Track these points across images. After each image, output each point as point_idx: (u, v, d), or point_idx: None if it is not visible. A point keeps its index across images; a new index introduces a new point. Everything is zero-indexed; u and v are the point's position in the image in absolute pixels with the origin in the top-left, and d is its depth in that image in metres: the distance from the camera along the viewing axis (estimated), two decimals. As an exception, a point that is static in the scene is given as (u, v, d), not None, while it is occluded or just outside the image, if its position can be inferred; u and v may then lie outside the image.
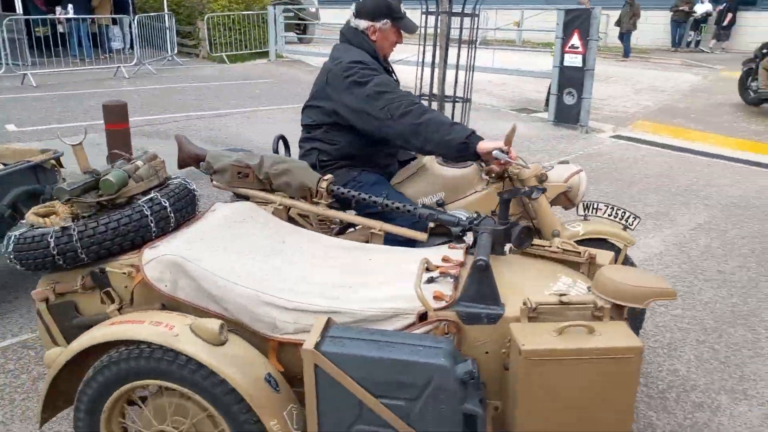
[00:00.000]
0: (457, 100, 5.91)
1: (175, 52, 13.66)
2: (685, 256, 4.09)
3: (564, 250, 2.04)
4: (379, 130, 2.44)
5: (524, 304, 1.66)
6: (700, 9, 17.93)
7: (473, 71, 5.89)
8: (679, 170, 6.17)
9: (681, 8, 17.96)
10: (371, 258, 2.05)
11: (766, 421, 2.51)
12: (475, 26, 5.73)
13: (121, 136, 4.53)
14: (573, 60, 7.73)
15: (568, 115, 8.00)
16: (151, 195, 2.01)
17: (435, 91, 5.87)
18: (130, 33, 12.89)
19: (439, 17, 5.68)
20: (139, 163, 2.09)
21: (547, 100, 9.28)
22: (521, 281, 1.86)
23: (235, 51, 14.27)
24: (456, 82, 5.81)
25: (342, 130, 2.58)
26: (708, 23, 18.04)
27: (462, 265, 1.88)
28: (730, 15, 17.12)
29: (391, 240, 2.27)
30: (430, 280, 1.82)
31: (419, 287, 1.68)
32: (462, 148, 2.31)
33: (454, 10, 5.76)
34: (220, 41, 14.05)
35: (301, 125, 2.75)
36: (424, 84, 5.83)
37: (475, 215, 2.08)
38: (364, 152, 2.63)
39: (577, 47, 7.64)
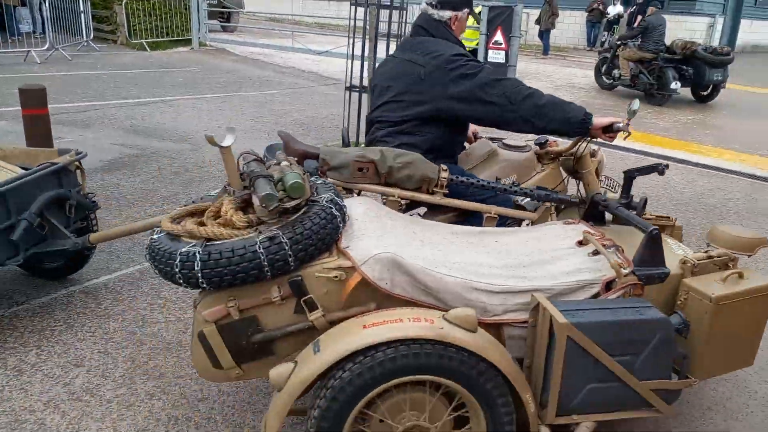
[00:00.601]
0: (386, 92, 5.99)
1: (91, 37, 13.00)
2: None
3: (657, 216, 2.57)
4: (500, 116, 2.53)
5: (685, 263, 2.11)
6: (612, 11, 18.90)
7: (402, 64, 5.98)
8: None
9: (595, 8, 18.87)
10: (497, 240, 2.21)
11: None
12: (404, 19, 5.82)
13: (42, 123, 4.29)
14: (497, 56, 8.00)
15: (492, 110, 8.25)
16: (328, 196, 1.93)
17: (365, 83, 5.92)
18: (41, 15, 12.15)
19: (368, 9, 5.72)
20: (285, 163, 1.95)
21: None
22: (638, 240, 2.18)
23: (155, 38, 13.76)
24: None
25: (433, 123, 2.61)
26: (620, 24, 19.04)
27: (603, 236, 2.17)
28: (639, 17, 18.12)
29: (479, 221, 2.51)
30: (596, 252, 2.07)
31: (612, 258, 2.00)
32: (581, 125, 2.51)
33: (382, 3, 5.83)
34: (139, 27, 13.50)
35: (376, 121, 2.74)
36: (354, 76, 5.87)
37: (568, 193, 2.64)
38: (447, 143, 2.70)
39: (501, 43, 7.91)
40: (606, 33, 19.25)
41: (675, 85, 9.86)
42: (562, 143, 2.96)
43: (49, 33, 11.57)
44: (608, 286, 1.97)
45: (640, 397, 1.90)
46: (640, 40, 10.37)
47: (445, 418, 1.84)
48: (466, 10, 2.76)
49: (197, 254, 1.74)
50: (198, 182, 5.20)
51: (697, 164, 6.72)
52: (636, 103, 2.57)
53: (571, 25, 20.38)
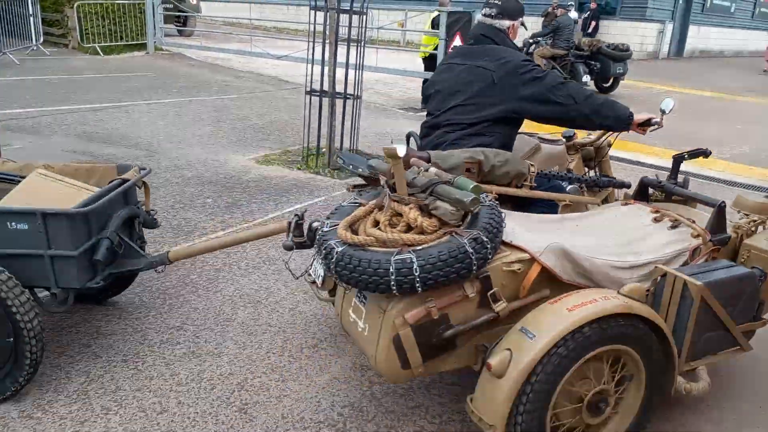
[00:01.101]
0: (348, 96, 5.98)
1: (41, 41, 12.61)
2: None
3: None
4: (565, 114, 2.83)
5: (738, 227, 2.60)
6: (567, 17, 19.30)
7: (363, 69, 5.98)
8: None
9: (550, 13, 19.25)
10: (588, 223, 2.60)
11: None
12: (363, 24, 5.81)
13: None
14: (456, 60, 8.06)
15: (452, 114, 8.32)
16: (486, 197, 2.16)
17: (326, 87, 5.89)
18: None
19: (328, 13, 5.70)
20: (433, 169, 2.20)
21: (423, 99, 9.65)
22: (691, 213, 2.71)
23: (109, 42, 13.41)
24: (346, 79, 5.87)
25: (501, 123, 2.84)
26: (575, 30, 19.48)
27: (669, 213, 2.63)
28: (594, 23, 18.62)
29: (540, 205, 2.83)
30: (674, 226, 2.54)
31: (695, 229, 2.49)
32: (627, 121, 2.87)
33: (342, 8, 5.81)
34: (92, 31, 13.13)
35: (444, 124, 2.89)
36: (315, 80, 5.83)
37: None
38: (510, 141, 2.96)
39: (460, 48, 7.98)
40: (561, 39, 19.66)
41: (585, 78, 11.20)
42: (582, 136, 3.41)
43: (-4, 36, 11.17)
44: (693, 253, 2.43)
45: (734, 339, 2.38)
46: (552, 38, 11.65)
47: (613, 382, 2.15)
48: (520, 20, 3.03)
49: (413, 260, 1.87)
50: (154, 189, 5.07)
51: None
52: (669, 103, 3.00)
53: (527, 30, 20.72)
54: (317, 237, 2.16)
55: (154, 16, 13.40)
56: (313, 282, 2.64)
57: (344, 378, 2.74)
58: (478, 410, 1.99)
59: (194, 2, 18.08)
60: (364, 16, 5.79)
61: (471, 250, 1.91)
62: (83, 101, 8.39)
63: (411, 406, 2.58)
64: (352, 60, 5.82)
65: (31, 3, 12.14)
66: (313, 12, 5.66)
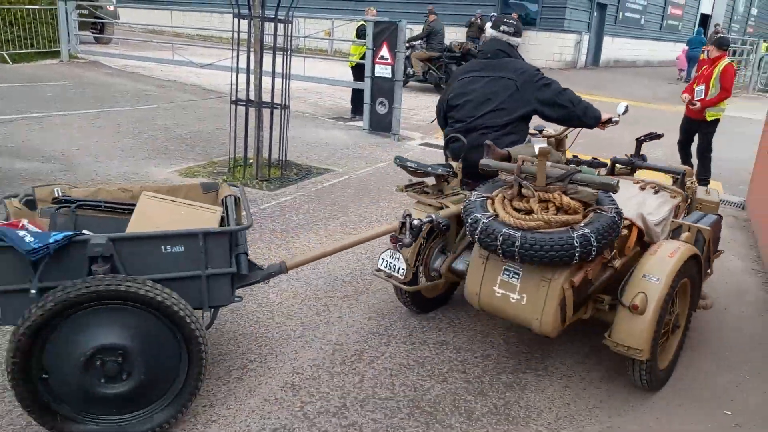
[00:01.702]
0: (275, 106, 5.87)
1: (-60, 47, 11.73)
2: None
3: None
4: (567, 114, 3.40)
5: (689, 188, 3.59)
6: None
7: (290, 78, 5.89)
8: (480, 173, 6.77)
9: (473, 23, 19.76)
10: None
11: (565, 392, 2.85)
12: (289, 33, 5.73)
13: None
14: (383, 71, 8.10)
15: (381, 124, 8.36)
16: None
17: (252, 96, 5.75)
18: None
19: (252, 22, 5.57)
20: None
21: (353, 108, 9.70)
22: (657, 181, 3.41)
23: (19, 49, 12.65)
24: (273, 88, 5.76)
25: (524, 121, 3.43)
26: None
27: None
28: (514, 34, 19.20)
29: None
30: (657, 191, 3.27)
31: (677, 192, 3.33)
32: (599, 120, 3.47)
33: (267, 16, 5.71)
34: (0, 38, 12.35)
35: (480, 127, 3.36)
36: (241, 90, 5.69)
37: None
38: (526, 136, 3.51)
39: (387, 58, 8.02)
40: (485, 48, 20.18)
41: None
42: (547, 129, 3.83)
43: None
44: (676, 210, 3.20)
45: (710, 266, 3.38)
46: (426, 42, 13.06)
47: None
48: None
49: (591, 235, 2.41)
50: (70, 205, 4.78)
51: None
52: (622, 106, 3.63)
53: (452, 40, 21.17)
54: (479, 229, 2.54)
55: (67, 23, 12.74)
56: (390, 276, 2.98)
57: (275, 399, 2.65)
58: (624, 341, 2.58)
59: (111, 8, 17.38)
60: (290, 25, 5.70)
61: (619, 220, 2.52)
62: (-11, 112, 7.85)
63: (344, 424, 2.53)
64: (278, 69, 5.72)
65: (-71, 7, 11.28)
66: (236, 20, 5.52)
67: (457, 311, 3.53)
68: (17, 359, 2.09)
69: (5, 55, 12.36)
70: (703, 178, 6.68)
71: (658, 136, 3.74)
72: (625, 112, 3.62)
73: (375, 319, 3.37)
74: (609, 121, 3.56)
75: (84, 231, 2.46)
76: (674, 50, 28.76)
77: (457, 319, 3.44)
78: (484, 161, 2.85)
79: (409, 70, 13.07)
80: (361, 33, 9.31)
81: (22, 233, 2.14)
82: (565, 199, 2.53)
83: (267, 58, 5.81)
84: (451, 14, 20.81)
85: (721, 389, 2.95)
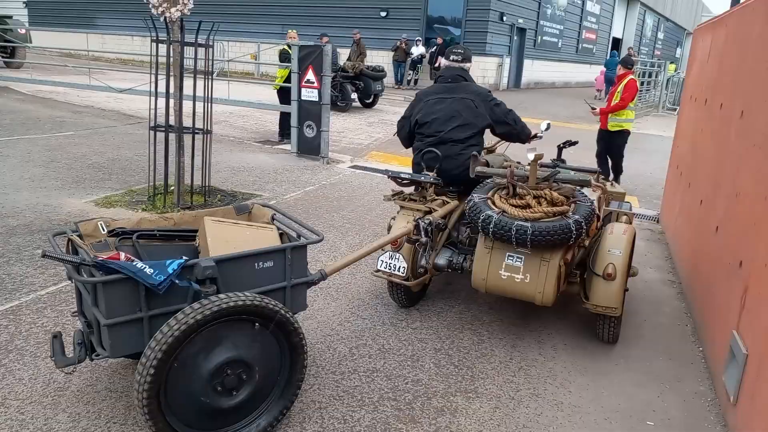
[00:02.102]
0: (197, 132, 5.69)
1: None
2: (420, 273, 4.50)
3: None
4: (510, 131, 4.09)
5: (598, 181, 4.29)
6: (415, 51, 20.28)
7: (212, 102, 5.74)
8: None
9: (399, 47, 20.11)
10: None
11: (495, 413, 2.84)
12: (210, 57, 5.59)
13: None
14: (310, 94, 8.05)
15: (309, 147, 8.29)
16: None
17: (172, 122, 5.55)
18: None
19: (171, 47, 5.41)
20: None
21: (280, 131, 9.61)
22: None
23: None
24: (194, 113, 5.59)
25: (482, 134, 4.03)
26: (423, 64, 20.49)
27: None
28: (441, 58, 19.69)
29: None
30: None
31: (600, 186, 4.14)
32: (529, 135, 4.16)
33: (188, 40, 5.55)
34: None
35: (448, 140, 3.91)
36: (161, 114, 5.48)
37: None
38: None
39: (313, 82, 7.99)
40: (411, 72, 20.59)
41: (354, 95, 13.86)
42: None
43: None
44: (599, 200, 3.89)
45: None
46: None
47: None
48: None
49: (581, 220, 3.08)
50: (-30, 242, 4.44)
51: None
52: (544, 124, 4.40)
53: (379, 64, 21.46)
54: (492, 223, 3.11)
55: (-28, 46, 12.02)
56: (391, 275, 3.45)
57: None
58: (601, 303, 3.24)
59: (23, 32, 16.62)
60: (211, 49, 5.57)
61: (594, 209, 3.20)
62: None
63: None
64: (201, 93, 5.57)
65: None
66: (155, 44, 5.34)
67: (387, 337, 3.48)
68: (152, 383, 2.13)
69: None
70: (616, 176, 7.66)
71: (573, 143, 4.53)
72: (547, 129, 4.31)
73: (303, 348, 3.27)
74: (535, 136, 4.23)
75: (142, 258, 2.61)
76: (590, 72, 30.27)
77: (388, 345, 3.39)
78: (479, 169, 3.61)
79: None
80: (284, 57, 9.25)
81: (140, 265, 2.22)
82: (555, 194, 3.22)
83: (190, 82, 5.65)
84: (377, 38, 21.11)
85: (643, 401, 3.03)
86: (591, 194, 3.68)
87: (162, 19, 5.29)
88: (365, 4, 21.40)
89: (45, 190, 5.87)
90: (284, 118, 9.35)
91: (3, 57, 16.06)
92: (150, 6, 5.22)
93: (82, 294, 2.49)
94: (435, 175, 3.75)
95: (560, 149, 4.40)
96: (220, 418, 2.37)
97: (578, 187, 3.37)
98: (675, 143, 6.31)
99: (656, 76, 19.78)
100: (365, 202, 6.34)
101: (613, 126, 7.38)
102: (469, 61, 4.17)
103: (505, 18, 21.08)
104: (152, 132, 5.58)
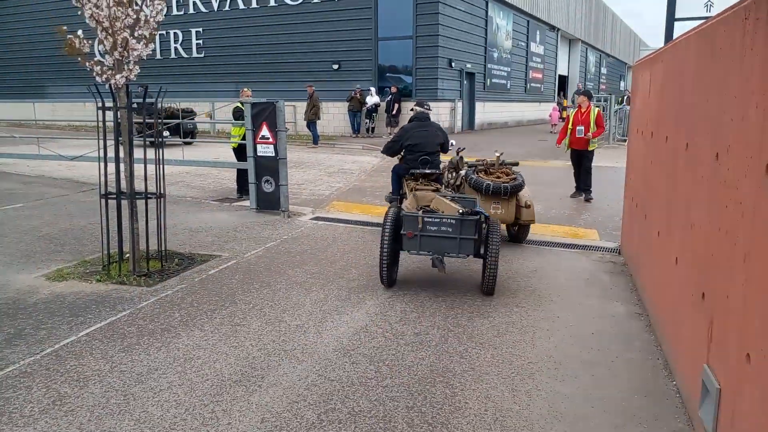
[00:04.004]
0: (150, 196, 5.56)
1: None
2: (387, 324, 4.39)
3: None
4: (445, 146, 6.98)
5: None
6: (370, 100, 20.60)
7: (163, 165, 5.64)
8: (372, 243, 6.73)
9: (354, 97, 20.41)
10: None
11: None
12: (161, 119, 5.52)
13: None
14: (265, 150, 8.02)
15: (269, 202, 8.20)
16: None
17: (123, 188, 5.41)
18: None
19: (117, 113, 5.32)
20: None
21: (238, 188, 9.52)
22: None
23: None
24: (146, 178, 5.47)
25: (442, 150, 6.97)
26: (378, 112, 20.80)
27: None
28: (396, 105, 20.05)
29: None
30: None
31: None
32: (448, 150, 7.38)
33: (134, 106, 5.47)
34: None
35: (428, 154, 6.75)
36: (112, 180, 5.34)
37: None
38: None
39: (268, 138, 7.96)
40: (368, 120, 20.86)
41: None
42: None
43: None
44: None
45: None
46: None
47: None
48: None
49: (523, 181, 6.88)
50: None
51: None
52: (453, 141, 7.32)
53: (335, 114, 21.72)
54: (484, 186, 6.62)
55: None
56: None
57: None
58: (525, 218, 6.67)
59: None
60: (159, 112, 5.50)
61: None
62: None
63: None
64: (152, 156, 5.46)
65: None
66: (101, 112, 5.25)
67: (357, 398, 3.35)
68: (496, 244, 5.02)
69: None
70: (586, 188, 9.54)
71: (463, 149, 7.53)
72: (453, 144, 7.23)
73: (269, 420, 3.11)
74: (451, 145, 7.21)
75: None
76: (540, 109, 31.21)
77: (358, 407, 3.25)
78: (471, 163, 7.29)
79: None
80: (238, 114, 9.23)
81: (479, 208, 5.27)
82: (509, 171, 6.89)
83: (140, 146, 5.53)
84: (331, 90, 21.41)
85: (623, 442, 2.96)
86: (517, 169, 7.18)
87: (107, 86, 5.21)
88: (318, 59, 21.77)
89: (-9, 268, 5.60)
90: (242, 174, 9.27)
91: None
92: (94, 74, 5.15)
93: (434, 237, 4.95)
94: (427, 170, 6.64)
95: (458, 151, 7.44)
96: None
97: (512, 167, 7.21)
98: (628, 175, 6.45)
99: (604, 110, 20.47)
100: (328, 255, 6.24)
101: (592, 146, 9.39)
102: (431, 108, 7.19)
103: (453, 64, 21.67)
104: (103, 200, 5.43)
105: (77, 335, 4.12)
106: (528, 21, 29.58)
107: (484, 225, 4.95)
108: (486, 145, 17.78)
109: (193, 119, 16.57)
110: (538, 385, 3.52)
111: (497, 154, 7.15)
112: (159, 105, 5.43)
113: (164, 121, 18.19)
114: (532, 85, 31.20)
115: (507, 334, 4.24)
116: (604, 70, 46.28)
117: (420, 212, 4.98)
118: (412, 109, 7.07)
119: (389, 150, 6.94)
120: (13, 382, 3.45)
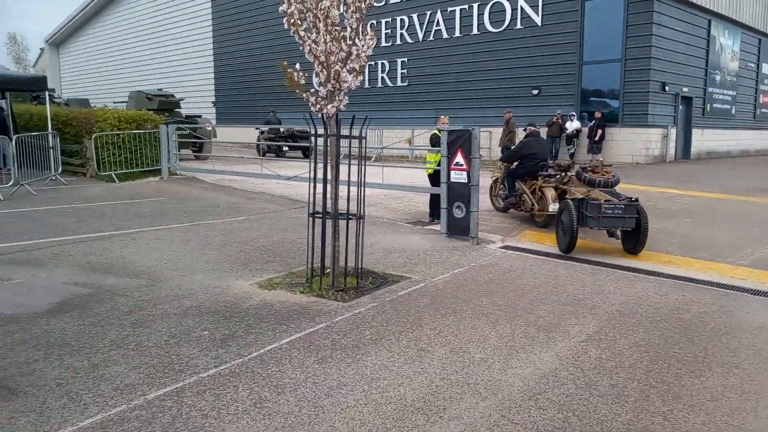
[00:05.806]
0: (350, 217, 5.92)
1: (59, 171, 13.05)
2: (579, 371, 4.09)
3: None
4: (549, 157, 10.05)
5: None
6: (570, 126, 19.82)
7: (365, 188, 5.98)
8: (565, 279, 6.39)
9: (554, 123, 19.79)
10: None
11: None
12: (364, 147, 5.88)
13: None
14: (458, 176, 8.10)
15: (459, 227, 8.25)
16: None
17: (329, 208, 5.85)
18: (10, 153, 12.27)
19: (328, 140, 5.78)
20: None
21: (431, 212, 9.71)
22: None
23: (125, 169, 13.86)
24: (348, 201, 5.84)
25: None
26: (579, 138, 19.90)
27: None
28: (600, 130, 19.05)
29: None
30: None
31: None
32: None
33: (344, 133, 5.90)
34: (108, 160, 13.63)
35: (545, 159, 9.48)
36: (319, 199, 5.82)
37: None
38: None
39: (462, 164, 8.04)
40: (568, 147, 20.07)
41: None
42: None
43: (15, 169, 11.57)
44: None
45: None
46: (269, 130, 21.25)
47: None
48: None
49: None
50: (150, 322, 4.89)
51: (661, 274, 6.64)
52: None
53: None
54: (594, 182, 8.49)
55: (168, 143, 13.90)
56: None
57: None
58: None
59: (209, 128, 18.88)
60: (364, 140, 5.86)
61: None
62: (91, 229, 8.46)
63: None
64: (355, 179, 5.86)
65: (51, 137, 12.69)
66: (314, 138, 5.77)
67: (541, 443, 3.15)
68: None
69: (113, 175, 13.55)
70: None
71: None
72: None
73: (449, 452, 3.06)
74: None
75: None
76: (772, 138, 27.34)
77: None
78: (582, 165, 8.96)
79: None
80: (434, 141, 9.47)
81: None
82: (608, 171, 8.47)
83: (346, 169, 5.95)
84: (529, 116, 21.02)
85: None
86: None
87: (320, 115, 5.69)
88: (516, 84, 21.53)
89: (217, 272, 6.39)
90: (434, 199, 9.47)
91: (193, 151, 18.34)
92: (309, 104, 5.66)
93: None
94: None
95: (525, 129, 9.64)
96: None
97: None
98: None
99: None
100: (516, 287, 6.06)
101: None
102: (539, 129, 9.63)
103: (667, 88, 19.94)
104: (311, 218, 5.91)
105: (279, 342, 4.49)
106: (760, 40, 26.21)
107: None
108: (702, 176, 16.05)
109: (307, 137, 18.41)
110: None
111: (600, 158, 9.60)
112: (365, 133, 5.79)
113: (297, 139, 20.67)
114: (763, 110, 27.47)
115: (723, 399, 3.70)
116: None
117: (603, 201, 7.28)
118: (525, 129, 10.04)
119: (509, 159, 9.90)
120: (224, 380, 3.86)
